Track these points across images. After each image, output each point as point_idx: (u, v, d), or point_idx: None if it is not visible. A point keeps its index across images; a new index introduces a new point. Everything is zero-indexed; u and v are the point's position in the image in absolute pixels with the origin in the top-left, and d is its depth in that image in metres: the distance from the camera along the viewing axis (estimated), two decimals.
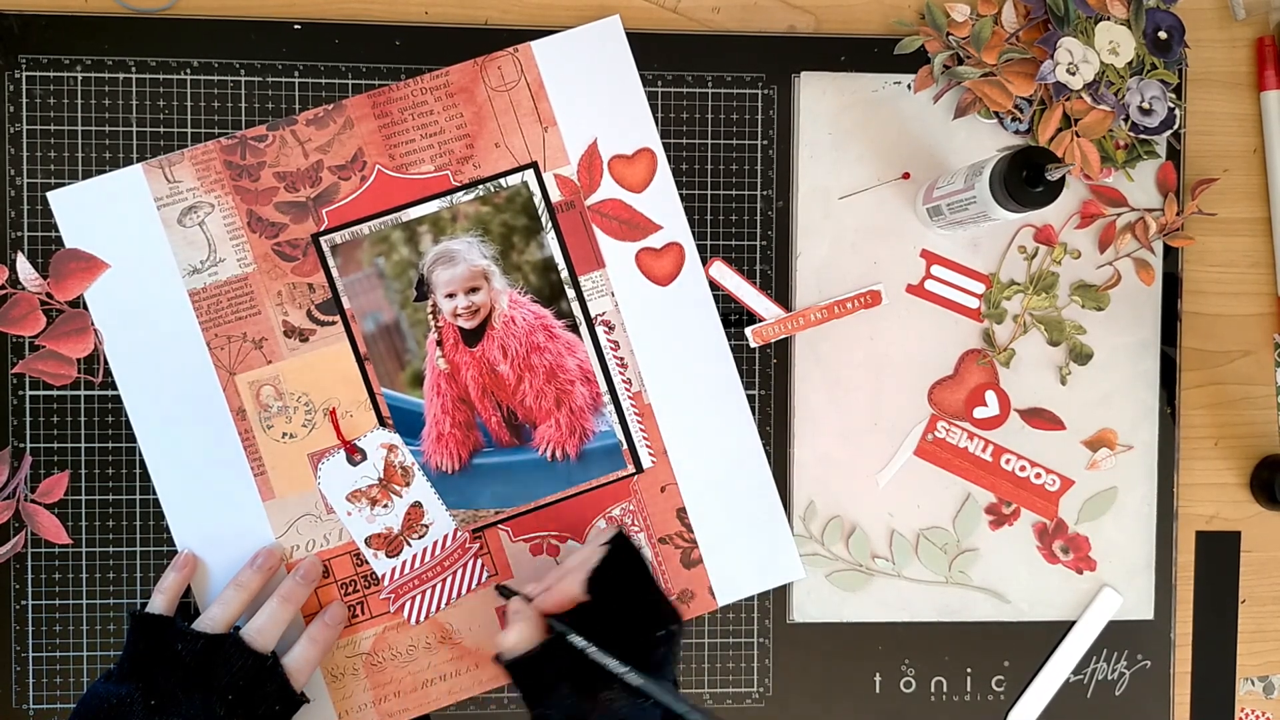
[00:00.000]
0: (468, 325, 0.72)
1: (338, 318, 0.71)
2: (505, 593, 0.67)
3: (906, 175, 0.74)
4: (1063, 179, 0.62)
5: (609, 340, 0.72)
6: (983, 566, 0.75)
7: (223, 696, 0.63)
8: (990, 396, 0.74)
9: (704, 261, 0.73)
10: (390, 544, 0.71)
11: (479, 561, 0.72)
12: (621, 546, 0.65)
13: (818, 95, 0.73)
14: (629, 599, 0.64)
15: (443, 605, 0.72)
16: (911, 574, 0.74)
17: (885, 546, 0.74)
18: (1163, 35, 0.73)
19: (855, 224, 0.74)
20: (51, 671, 0.71)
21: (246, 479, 0.71)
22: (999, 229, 0.74)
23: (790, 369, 0.74)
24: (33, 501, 0.70)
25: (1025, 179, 0.62)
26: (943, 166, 0.74)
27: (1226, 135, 0.77)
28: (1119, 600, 0.75)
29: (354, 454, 0.71)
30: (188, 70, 0.71)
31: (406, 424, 0.72)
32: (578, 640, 0.61)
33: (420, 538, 0.71)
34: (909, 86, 0.74)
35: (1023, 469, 0.75)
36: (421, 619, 0.72)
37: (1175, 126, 0.74)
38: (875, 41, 0.74)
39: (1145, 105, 0.73)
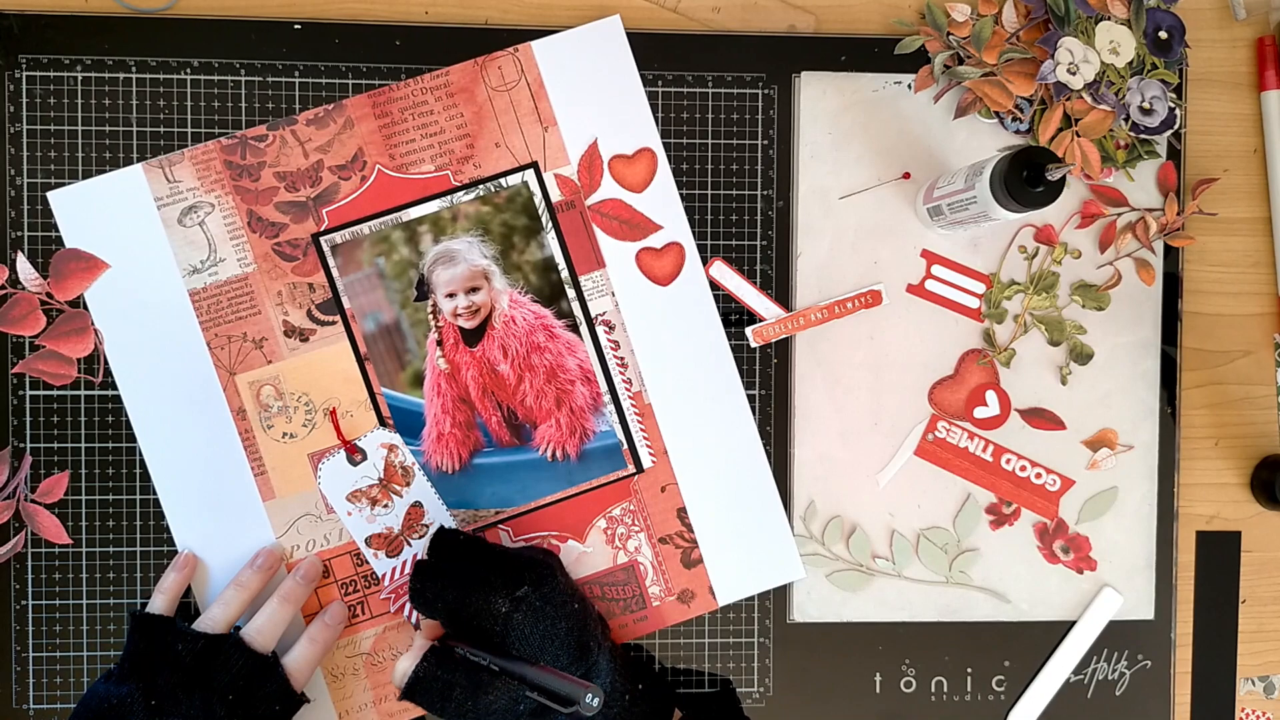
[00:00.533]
0: (468, 325, 0.72)
1: (338, 318, 0.71)
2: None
3: (906, 175, 0.74)
4: (1063, 179, 0.62)
5: (609, 340, 0.72)
6: (983, 566, 0.75)
7: (223, 696, 0.63)
8: (990, 396, 0.74)
9: (704, 261, 0.73)
10: (390, 544, 0.71)
11: None
12: (437, 542, 0.67)
13: (818, 95, 0.73)
14: (462, 587, 0.65)
15: None
16: (912, 574, 0.74)
17: (885, 546, 0.74)
18: (1163, 35, 0.73)
19: (855, 224, 0.74)
20: (51, 671, 0.71)
21: (246, 479, 0.71)
22: (999, 229, 0.74)
23: (790, 369, 0.74)
24: (33, 501, 0.70)
25: (1025, 179, 0.62)
26: (943, 166, 0.74)
27: (1227, 135, 0.77)
28: (1119, 600, 0.75)
29: (354, 454, 0.71)
30: (188, 70, 0.71)
31: (407, 424, 0.72)
32: (457, 648, 0.65)
33: (420, 538, 0.71)
34: (909, 86, 0.74)
35: (1023, 469, 0.75)
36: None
37: (1175, 126, 0.74)
38: (875, 41, 0.74)
39: (1145, 105, 0.73)
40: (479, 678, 0.64)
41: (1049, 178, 0.61)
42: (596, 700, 0.62)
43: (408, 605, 0.71)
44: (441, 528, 0.69)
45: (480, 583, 0.65)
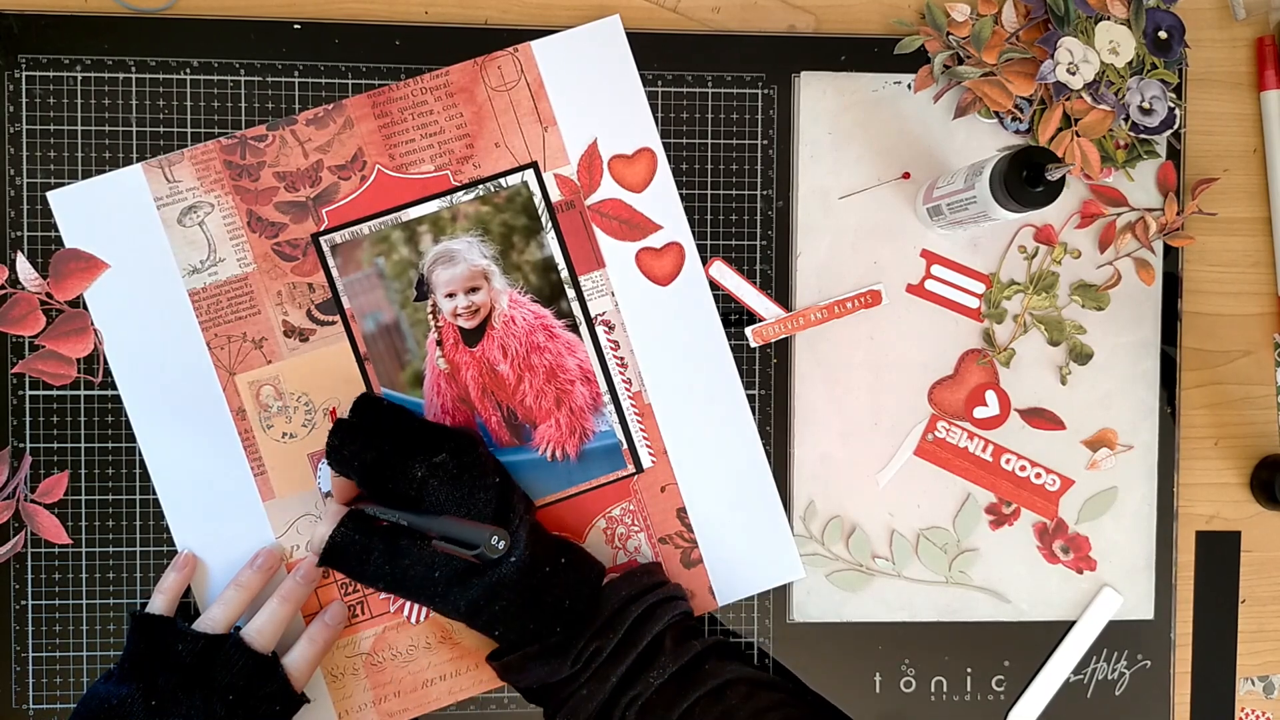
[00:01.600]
0: (468, 325, 0.72)
1: (338, 318, 0.71)
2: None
3: (906, 175, 0.74)
4: (1063, 179, 0.62)
5: (609, 340, 0.72)
6: (983, 566, 0.75)
7: (223, 697, 0.63)
8: (990, 396, 0.74)
9: (704, 261, 0.73)
10: None
11: None
12: (360, 405, 0.67)
13: (818, 95, 0.73)
14: (380, 448, 0.65)
15: None
16: (911, 574, 0.74)
17: (885, 546, 0.74)
18: (1163, 35, 0.73)
19: (855, 224, 0.74)
20: (51, 671, 0.71)
21: (246, 479, 0.71)
22: (999, 229, 0.74)
23: (790, 369, 0.74)
24: (33, 501, 0.70)
25: (1025, 179, 0.62)
26: (943, 166, 0.74)
27: (1226, 135, 0.77)
28: (1119, 600, 0.75)
29: None
30: (188, 70, 0.71)
31: None
32: (367, 508, 0.66)
33: None
34: (909, 86, 0.74)
35: (1023, 469, 0.75)
36: (421, 619, 0.72)
37: (1175, 126, 0.74)
38: (875, 41, 0.74)
39: (1145, 105, 0.73)
40: (397, 543, 0.65)
41: (1049, 178, 0.61)
42: (501, 543, 0.62)
43: (407, 605, 0.71)
44: (365, 392, 0.69)
45: (400, 446, 0.65)
